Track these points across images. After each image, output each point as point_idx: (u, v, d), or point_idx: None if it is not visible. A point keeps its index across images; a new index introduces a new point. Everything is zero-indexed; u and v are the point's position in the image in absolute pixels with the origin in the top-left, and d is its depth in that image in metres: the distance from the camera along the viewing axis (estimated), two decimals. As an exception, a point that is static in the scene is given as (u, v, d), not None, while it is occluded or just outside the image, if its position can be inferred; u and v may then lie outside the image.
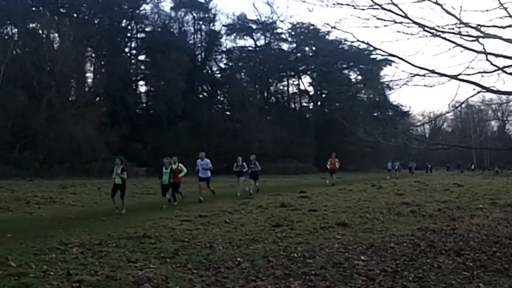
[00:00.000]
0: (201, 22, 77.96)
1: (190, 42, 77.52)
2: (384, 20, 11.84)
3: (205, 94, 77.62)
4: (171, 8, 75.62)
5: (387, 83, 44.58)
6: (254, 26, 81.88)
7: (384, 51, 12.69)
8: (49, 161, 48.78)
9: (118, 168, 22.09)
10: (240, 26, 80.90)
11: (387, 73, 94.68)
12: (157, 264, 9.92)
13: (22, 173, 45.00)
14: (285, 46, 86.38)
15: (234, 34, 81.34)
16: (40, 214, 19.92)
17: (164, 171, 23.61)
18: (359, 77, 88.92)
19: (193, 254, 10.93)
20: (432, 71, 11.95)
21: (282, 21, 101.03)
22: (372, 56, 60.91)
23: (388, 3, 11.59)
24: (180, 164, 24.48)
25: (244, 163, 30.25)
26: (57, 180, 41.30)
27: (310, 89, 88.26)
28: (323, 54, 71.26)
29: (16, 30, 60.88)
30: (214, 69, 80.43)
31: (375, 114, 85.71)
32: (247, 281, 8.74)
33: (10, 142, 48.95)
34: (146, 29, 73.82)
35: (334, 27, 12.60)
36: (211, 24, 78.45)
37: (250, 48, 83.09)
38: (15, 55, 53.76)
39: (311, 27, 79.16)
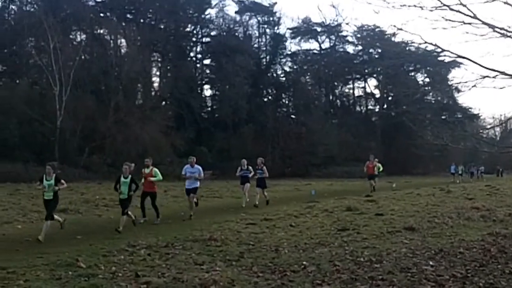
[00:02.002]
0: (265, 26, 78.05)
1: (255, 45, 77.70)
2: (452, 21, 11.54)
3: (270, 97, 77.60)
4: (236, 12, 76.13)
5: (455, 85, 43.50)
6: (319, 29, 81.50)
7: (452, 53, 12.34)
8: (117, 164, 49.36)
9: (48, 177, 15.68)
10: (305, 29, 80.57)
11: (456, 75, 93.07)
12: (222, 266, 9.91)
13: (91, 176, 45.81)
14: (350, 49, 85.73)
15: (299, 37, 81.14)
16: (109, 216, 20.23)
17: (122, 181, 17.29)
18: (427, 80, 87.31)
19: (259, 257, 10.88)
20: (503, 73, 11.58)
21: (347, 24, 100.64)
22: (439, 58, 59.41)
23: (456, 4, 11.27)
24: (155, 169, 19.43)
25: (250, 167, 25.62)
26: (125, 183, 41.86)
27: (376, 91, 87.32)
28: (389, 56, 70.30)
29: (84, 36, 62.16)
30: (279, 72, 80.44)
31: (443, 117, 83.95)
32: (313, 285, 8.65)
33: (80, 145, 49.94)
34: (211, 33, 74.31)
35: (401, 29, 12.35)
36: (276, 28, 78.53)
37: (315, 51, 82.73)
38: (83, 60, 54.84)
39: (377, 29, 78.22)
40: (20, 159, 44.13)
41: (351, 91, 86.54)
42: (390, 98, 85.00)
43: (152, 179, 19.29)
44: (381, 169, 38.24)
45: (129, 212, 17.35)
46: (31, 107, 48.41)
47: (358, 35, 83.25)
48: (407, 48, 69.95)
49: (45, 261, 10.57)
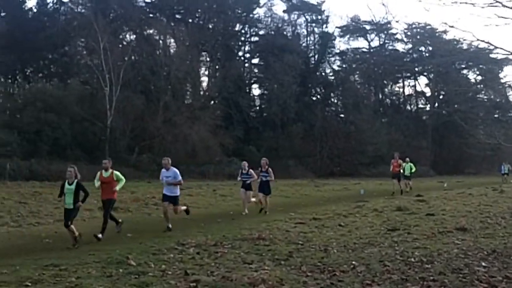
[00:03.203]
0: (314, 25, 77.68)
1: (303, 44, 77.41)
2: (505, 18, 11.31)
3: (318, 96, 77.22)
4: (284, 11, 75.96)
5: (508, 83, 42.40)
6: (368, 27, 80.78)
7: (505, 50, 12.12)
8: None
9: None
10: (354, 27, 79.99)
11: (509, 73, 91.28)
12: (271, 266, 9.89)
13: (141, 174, 46.25)
14: (400, 47, 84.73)
15: (348, 36, 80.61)
16: (158, 215, 20.38)
17: (67, 188, 14.74)
18: (479, 78, 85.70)
19: (308, 257, 10.83)
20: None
21: (397, 21, 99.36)
22: (492, 56, 58.55)
23: (508, 0, 11.06)
24: (116, 172, 16.05)
25: (252, 171, 22.17)
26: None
27: (427, 90, 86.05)
28: (440, 54, 69.54)
29: (133, 36, 62.87)
30: (328, 71, 79.99)
31: (496, 116, 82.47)
32: (362, 285, 8.57)
33: (129, 145, 50.53)
34: (260, 33, 74.27)
35: (452, 26, 12.18)
36: (324, 26, 78.10)
37: (364, 50, 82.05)
38: (133, 60, 55.45)
39: (427, 27, 77.35)
40: (72, 158, 44.79)
41: (401, 89, 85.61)
42: (441, 97, 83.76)
43: (117, 187, 15.79)
44: (413, 169, 36.05)
45: (72, 226, 14.20)
46: (82, 106, 49.20)
47: (408, 33, 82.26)
48: (459, 46, 69.15)
49: (96, 259, 10.72)
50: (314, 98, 75.77)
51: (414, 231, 14.43)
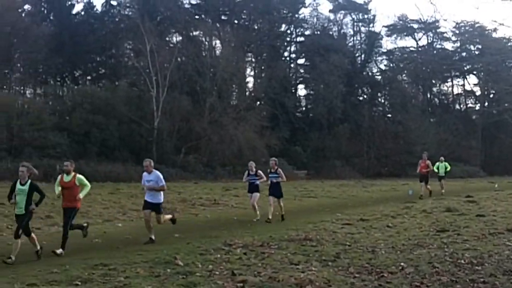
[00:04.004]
0: (360, 24, 77.13)
1: (349, 44, 76.87)
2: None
3: (365, 96, 76.66)
4: (330, 11, 75.44)
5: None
6: (415, 26, 79.84)
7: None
8: (212, 164, 50.12)
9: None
10: (401, 26, 79.13)
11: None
12: (318, 267, 9.86)
13: (188, 175, 46.56)
14: (448, 46, 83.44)
15: (395, 35, 79.75)
16: (205, 215, 20.51)
17: (18, 189, 12.40)
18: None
19: (355, 258, 10.77)
20: None
21: (445, 20, 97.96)
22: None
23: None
24: (79, 175, 13.58)
25: (260, 172, 20.02)
26: (220, 183, 42.40)
27: (476, 89, 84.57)
28: (490, 53, 68.50)
29: (180, 38, 63.30)
30: (374, 71, 79.29)
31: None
32: (411, 287, 8.49)
33: (176, 146, 50.86)
34: (305, 33, 73.96)
35: (502, 24, 11.93)
36: (371, 25, 77.38)
37: (411, 49, 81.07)
38: (179, 62, 55.80)
39: (476, 25, 76.18)
40: (120, 159, 45.38)
41: (450, 88, 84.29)
42: (491, 96, 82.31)
43: (81, 194, 13.37)
44: (448, 168, 33.59)
45: (33, 235, 12.57)
46: (130, 108, 49.74)
47: (457, 31, 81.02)
48: (509, 44, 67.80)
49: (144, 259, 10.82)
50: (360, 98, 75.26)
51: (464, 232, 14.23)
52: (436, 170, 32.49)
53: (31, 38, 49.10)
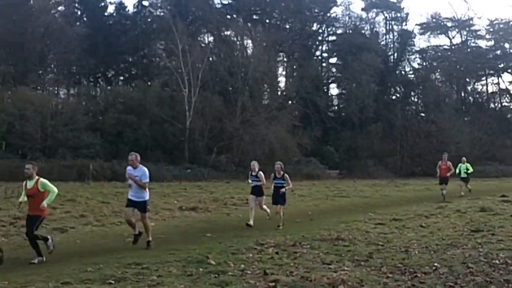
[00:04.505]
0: (393, 22, 76.58)
1: (382, 43, 76.35)
2: None
3: (398, 95, 76.14)
4: (362, 9, 75.14)
5: None
6: (449, 24, 79.13)
7: None
8: (244, 163, 50.03)
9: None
10: (434, 24, 78.45)
11: None
12: (351, 266, 9.80)
13: (220, 175, 46.69)
14: (482, 44, 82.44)
15: (428, 33, 79.09)
16: (237, 215, 20.50)
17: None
18: None
19: (388, 258, 10.68)
20: None
21: (479, 18, 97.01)
22: None
23: None
24: (42, 180, 12.05)
25: (261, 173, 17.95)
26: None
27: (511, 87, 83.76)
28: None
29: (211, 38, 63.58)
30: (407, 69, 78.63)
31: None
32: (445, 287, 8.38)
33: (208, 145, 51.03)
34: (337, 32, 73.68)
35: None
36: (404, 24, 76.81)
37: (445, 47, 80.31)
38: (211, 62, 56.01)
39: (511, 23, 75.25)
40: (152, 159, 45.55)
41: (484, 87, 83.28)
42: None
43: (45, 203, 11.80)
44: (470, 170, 31.38)
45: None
46: (162, 108, 50.05)
47: (491, 29, 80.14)
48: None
49: (176, 258, 10.86)
50: (393, 97, 74.82)
51: (499, 233, 14.02)
52: (457, 171, 30.87)
53: (65, 39, 49.67)
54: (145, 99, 49.53)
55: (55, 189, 12.12)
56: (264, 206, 18.04)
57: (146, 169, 13.93)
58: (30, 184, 11.96)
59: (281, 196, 17.58)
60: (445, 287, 8.40)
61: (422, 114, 75.16)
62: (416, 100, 78.91)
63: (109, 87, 55.99)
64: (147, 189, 13.84)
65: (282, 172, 17.78)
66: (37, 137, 42.53)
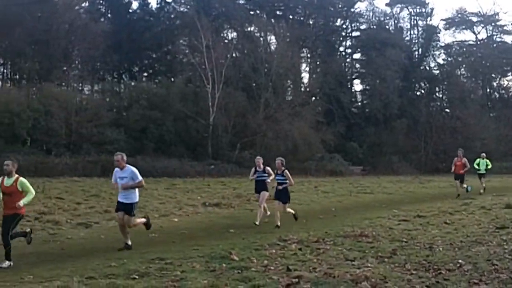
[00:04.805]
0: (417, 18, 76.03)
1: (406, 38, 75.85)
2: None
3: (422, 91, 75.62)
4: (386, 5, 74.59)
5: None
6: (474, 19, 78.44)
7: None
8: (268, 159, 49.82)
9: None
10: (460, 19, 77.80)
11: None
12: (374, 263, 9.77)
13: (243, 171, 46.49)
14: (508, 39, 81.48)
15: (453, 28, 78.48)
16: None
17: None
18: None
19: (412, 255, 10.63)
20: None
21: (505, 13, 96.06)
22: None
23: None
24: (22, 179, 11.81)
25: (268, 169, 18.01)
26: (275, 178, 42.37)
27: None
28: (552, 45, 66.76)
29: (235, 34, 63.60)
30: (432, 65, 77.99)
31: None
32: (469, 284, 8.32)
33: (231, 141, 51.03)
34: (361, 27, 73.40)
35: None
36: (428, 19, 76.20)
37: (470, 42, 79.59)
38: (234, 58, 55.99)
39: (537, 17, 74.51)
40: (176, 154, 45.77)
41: (510, 83, 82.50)
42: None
43: (22, 202, 11.56)
44: (489, 166, 30.96)
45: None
46: (186, 104, 50.12)
47: (517, 24, 79.33)
48: None
49: (200, 253, 10.91)
50: (418, 93, 74.37)
51: (525, 229, 13.90)
52: (476, 167, 30.59)
53: (89, 36, 49.90)
54: (168, 95, 49.65)
55: (33, 191, 11.85)
56: (264, 205, 17.55)
57: (134, 168, 13.40)
58: (8, 182, 11.60)
59: (283, 193, 17.07)
60: (469, 284, 8.33)
61: (447, 110, 74.57)
62: (441, 96, 78.30)
63: (133, 83, 56.23)
64: (137, 191, 13.35)
65: (283, 168, 17.18)
66: (61, 133, 42.81)
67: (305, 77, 68.83)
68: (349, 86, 71.33)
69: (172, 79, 56.70)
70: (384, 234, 13.44)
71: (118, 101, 52.04)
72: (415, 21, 75.95)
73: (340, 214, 19.48)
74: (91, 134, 43.76)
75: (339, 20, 71.92)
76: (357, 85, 74.52)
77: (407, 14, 75.21)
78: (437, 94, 77.35)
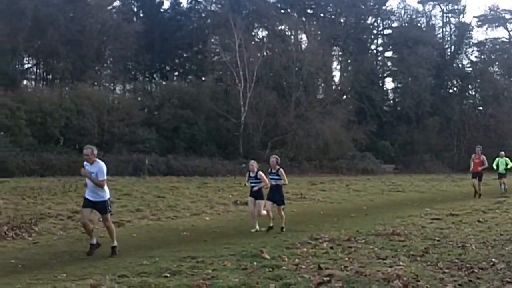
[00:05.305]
0: (450, 15, 75.41)
1: (438, 36, 75.28)
2: None
3: (455, 89, 75.01)
4: (418, 2, 74.21)
5: None
6: (507, 16, 77.36)
7: None
8: (299, 158, 49.97)
9: None
10: (492, 16, 76.86)
11: None
12: (406, 261, 9.70)
13: (274, 170, 46.65)
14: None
15: (486, 26, 77.54)
16: (291, 209, 20.47)
17: None
18: None
19: (444, 253, 10.54)
20: None
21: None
22: None
23: None
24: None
25: (261, 173, 15.85)
26: (306, 177, 42.33)
27: None
28: None
29: (265, 32, 63.67)
30: (465, 62, 77.29)
31: None
32: (502, 283, 8.22)
33: (263, 140, 51.07)
34: (393, 25, 73.05)
35: None
36: (461, 16, 75.54)
37: (503, 39, 78.58)
38: (265, 57, 56.01)
39: None
40: (207, 153, 45.97)
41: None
42: None
43: None
44: (510, 165, 29.10)
45: None
46: (217, 103, 50.28)
47: (552, 21, 78.19)
48: None
49: (231, 252, 10.93)
50: (450, 91, 73.82)
51: (559, 228, 13.72)
52: (494, 167, 29.37)
53: (121, 36, 50.36)
54: (199, 94, 49.81)
55: None
56: (264, 212, 15.71)
57: (103, 165, 12.09)
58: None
59: (277, 193, 15.66)
60: (502, 283, 8.24)
61: (480, 108, 73.90)
62: (473, 93, 77.54)
63: (164, 83, 56.52)
64: (106, 187, 12.12)
65: (277, 167, 15.78)
66: (94, 132, 43.20)
67: (336, 75, 68.77)
68: (380, 84, 71.02)
69: (203, 78, 56.92)
70: (416, 232, 13.34)
71: (150, 101, 52.36)
72: (447, 19, 75.39)
73: (371, 213, 19.37)
74: (123, 133, 44.12)
75: (370, 18, 71.70)
76: (389, 83, 74.22)
77: (439, 12, 74.70)
78: (470, 91, 76.66)
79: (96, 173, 11.81)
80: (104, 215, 12.03)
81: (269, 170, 15.90)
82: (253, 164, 16.10)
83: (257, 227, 15.43)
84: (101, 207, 11.96)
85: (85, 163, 12.06)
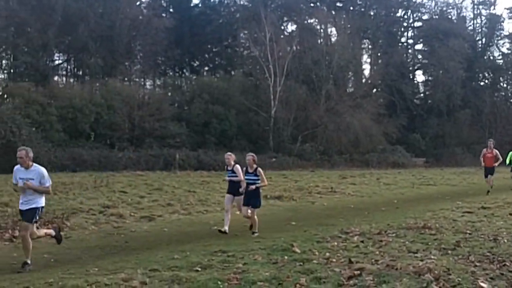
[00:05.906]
0: (480, 7, 74.63)
1: (469, 28, 74.58)
2: None
3: (486, 81, 74.26)
4: (449, -6, 73.75)
5: None
6: (538, 7, 76.69)
7: None
8: (329, 152, 49.91)
9: None
10: (524, 8, 76.19)
11: None
12: (437, 255, 9.65)
13: (304, 164, 46.60)
14: None
15: (517, 17, 76.86)
16: (322, 203, 20.51)
17: None
18: None
19: (476, 247, 10.46)
20: None
21: None
22: None
23: None
24: None
25: (238, 167, 14.36)
26: (336, 171, 42.28)
27: None
28: None
29: (295, 26, 63.50)
30: (496, 54, 76.42)
31: None
32: (535, 277, 8.16)
33: (293, 134, 51.02)
34: (423, 18, 72.47)
35: None
36: (492, 8, 74.73)
37: (535, 31, 78.05)
38: (295, 51, 55.88)
39: None
40: (237, 148, 45.92)
41: None
42: None
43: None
44: None
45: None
46: (247, 97, 50.35)
47: None
48: None
49: (262, 246, 10.97)
50: (481, 83, 73.06)
51: None
52: (507, 162, 27.54)
53: (151, 31, 50.62)
54: (229, 89, 49.89)
55: None
56: (237, 213, 14.96)
57: (43, 169, 10.51)
58: None
59: (254, 195, 13.93)
60: (535, 276, 8.19)
61: (512, 100, 73.12)
62: (505, 85, 76.67)
63: (194, 77, 56.71)
64: (43, 195, 10.70)
65: (255, 166, 13.98)
66: (124, 127, 43.45)
67: (367, 68, 68.48)
68: (411, 77, 70.53)
69: (232, 73, 57.02)
70: (448, 226, 13.25)
71: (180, 96, 52.60)
72: (478, 10, 74.62)
73: (402, 206, 19.29)
74: (153, 128, 44.31)
75: (400, 10, 71.18)
76: (419, 76, 73.84)
77: (470, 3, 74.42)
78: (501, 84, 75.83)
79: (39, 180, 10.34)
80: (27, 223, 10.35)
81: (246, 169, 14.11)
82: (229, 156, 14.72)
83: (226, 227, 13.91)
84: (30, 214, 10.35)
85: (17, 167, 10.44)
